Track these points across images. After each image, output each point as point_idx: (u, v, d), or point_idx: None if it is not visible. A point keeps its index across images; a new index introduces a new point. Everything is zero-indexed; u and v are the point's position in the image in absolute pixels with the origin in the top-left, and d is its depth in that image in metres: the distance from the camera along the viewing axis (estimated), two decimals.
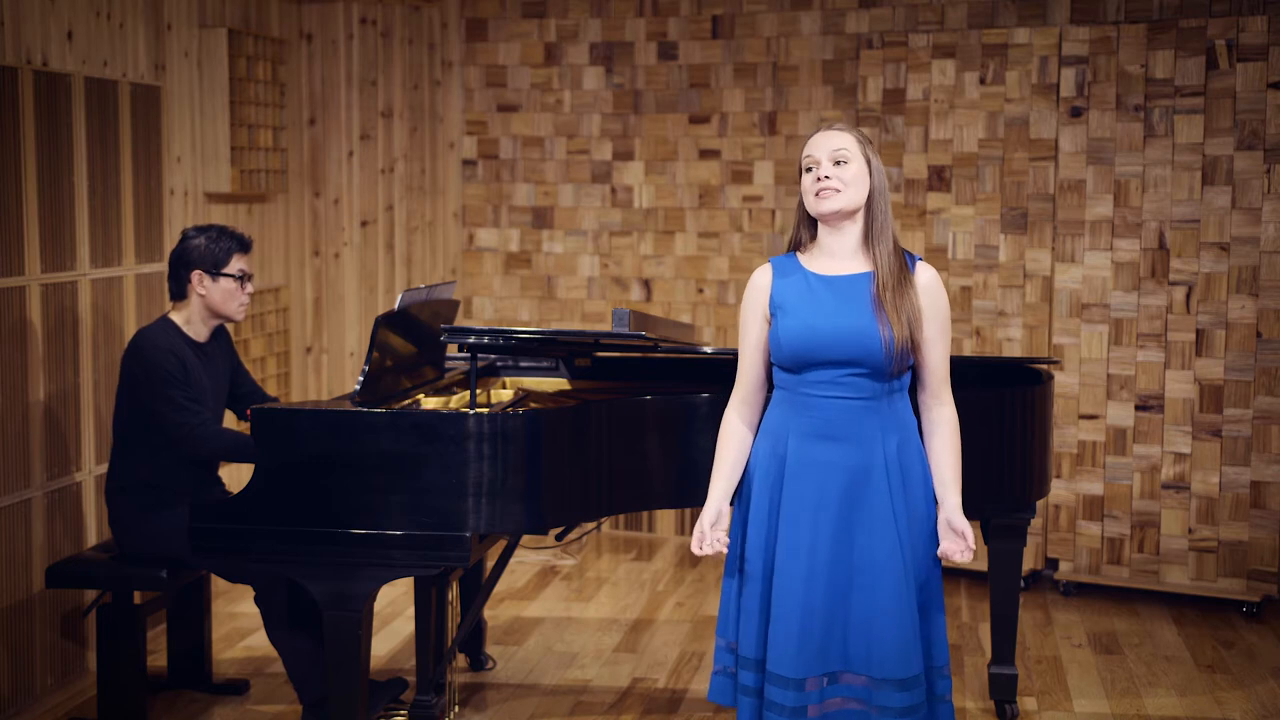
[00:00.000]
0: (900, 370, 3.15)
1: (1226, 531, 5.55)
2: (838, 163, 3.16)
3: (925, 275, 3.20)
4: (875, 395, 3.15)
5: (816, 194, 3.16)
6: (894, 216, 3.29)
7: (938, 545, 3.20)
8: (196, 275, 4.27)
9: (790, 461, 3.18)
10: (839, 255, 3.21)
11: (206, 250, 4.27)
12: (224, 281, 4.29)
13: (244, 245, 4.34)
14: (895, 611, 3.11)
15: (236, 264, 4.30)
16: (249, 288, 4.35)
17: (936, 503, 3.23)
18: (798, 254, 3.26)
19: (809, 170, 3.18)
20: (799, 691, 3.11)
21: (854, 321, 3.11)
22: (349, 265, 6.57)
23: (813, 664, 3.12)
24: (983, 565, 5.74)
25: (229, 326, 4.77)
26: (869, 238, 3.19)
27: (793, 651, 3.12)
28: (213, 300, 4.29)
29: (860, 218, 3.20)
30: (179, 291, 4.32)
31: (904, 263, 3.18)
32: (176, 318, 4.31)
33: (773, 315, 3.21)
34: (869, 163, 3.19)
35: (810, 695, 3.12)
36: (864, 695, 3.14)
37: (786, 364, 3.19)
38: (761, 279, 3.25)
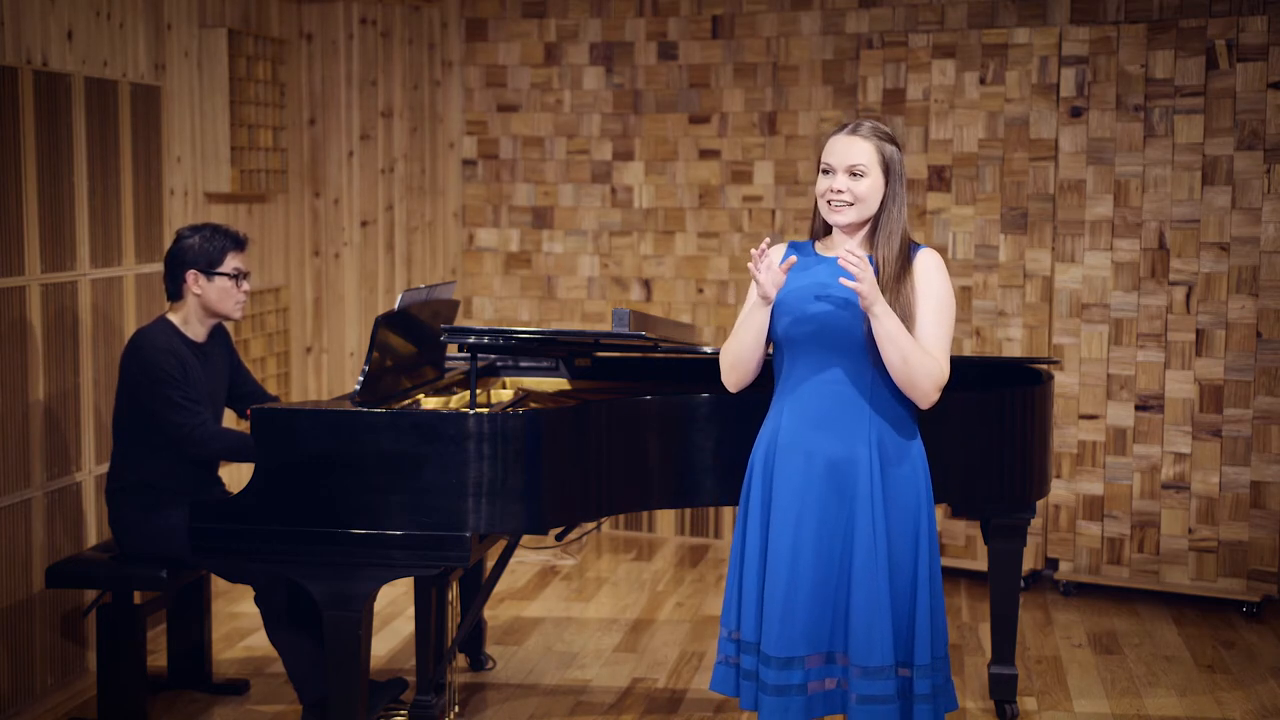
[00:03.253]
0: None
1: (1226, 531, 5.55)
2: (853, 175, 3.18)
3: (920, 259, 3.23)
4: (862, 385, 3.19)
5: (829, 202, 3.21)
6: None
7: (927, 542, 3.21)
8: (192, 275, 4.27)
9: (780, 446, 3.25)
10: (854, 249, 3.25)
11: (201, 249, 4.26)
12: (219, 280, 4.28)
13: (238, 243, 4.33)
14: (866, 599, 3.16)
15: (231, 262, 4.29)
16: (245, 286, 4.34)
17: (931, 502, 3.25)
18: (815, 243, 3.31)
19: (825, 173, 3.21)
20: (782, 670, 3.17)
21: (843, 308, 3.14)
22: (349, 265, 6.57)
23: (797, 644, 3.17)
24: (983, 565, 5.75)
25: (229, 326, 4.77)
26: (874, 241, 3.22)
27: (775, 630, 3.18)
28: (209, 299, 4.28)
29: (871, 222, 3.23)
30: (175, 292, 4.31)
31: (907, 259, 3.20)
32: (174, 318, 4.31)
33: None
34: (887, 171, 3.20)
35: (795, 674, 3.17)
36: (846, 677, 3.21)
37: (780, 342, 3.25)
38: (776, 255, 3.32)
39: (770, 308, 3.22)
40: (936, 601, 3.26)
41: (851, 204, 3.19)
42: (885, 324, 3.08)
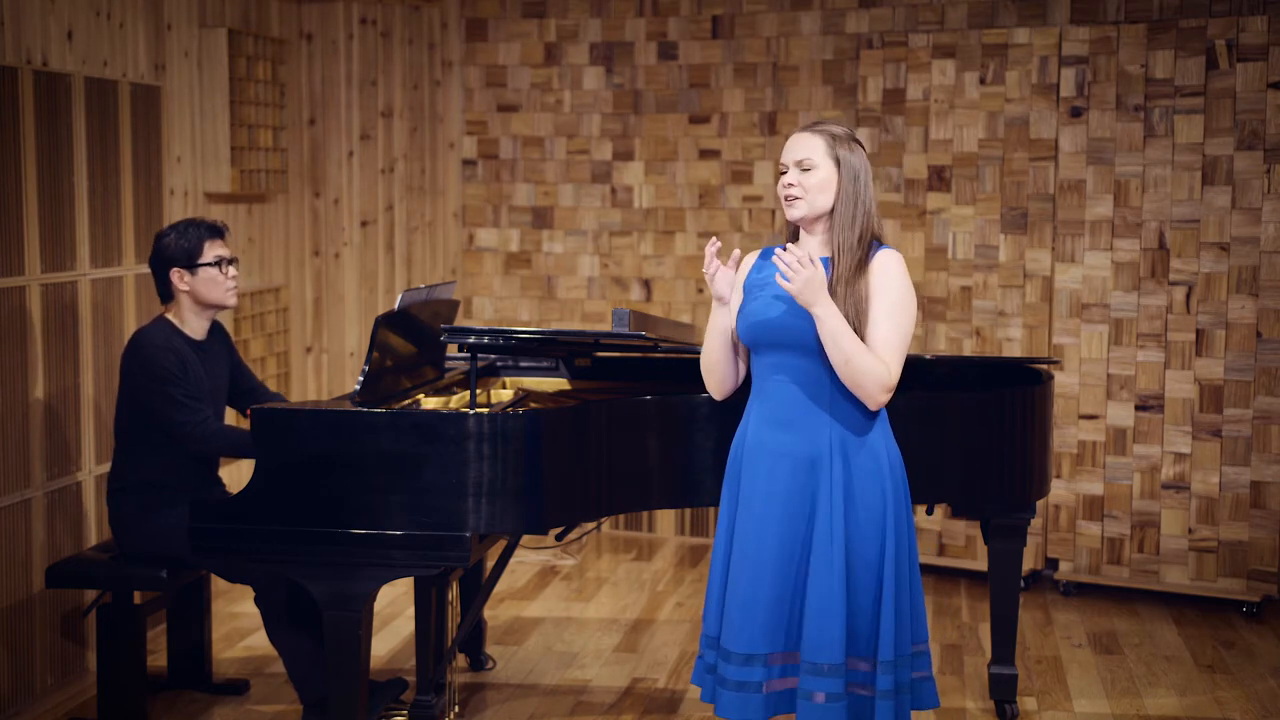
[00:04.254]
0: None
1: (1226, 531, 5.55)
2: (802, 169, 3.22)
3: (878, 259, 3.23)
4: (819, 384, 3.21)
5: (785, 198, 3.27)
6: (883, 215, 3.33)
7: (894, 537, 3.20)
8: (176, 273, 4.26)
9: (748, 446, 3.30)
10: (813, 250, 3.30)
11: (178, 246, 4.26)
12: (204, 271, 4.27)
13: (215, 231, 4.32)
14: (819, 597, 3.17)
15: (211, 251, 4.28)
16: (232, 271, 4.33)
17: (903, 498, 3.25)
18: (786, 246, 3.34)
19: (782, 172, 3.27)
20: (742, 666, 3.20)
21: (794, 307, 3.17)
22: (349, 265, 6.57)
23: (758, 641, 3.19)
24: (983, 565, 5.75)
25: (228, 325, 4.77)
26: (832, 236, 3.23)
27: (736, 626, 3.21)
28: (198, 292, 4.28)
29: (828, 217, 3.26)
30: (166, 293, 4.31)
31: (865, 256, 3.21)
32: (171, 318, 4.31)
33: (744, 295, 3.32)
34: (838, 164, 3.22)
35: (756, 671, 3.19)
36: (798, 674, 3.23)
37: (745, 343, 3.30)
38: (747, 260, 3.39)
39: (728, 307, 3.29)
40: (905, 598, 3.23)
41: (800, 197, 3.22)
42: (828, 324, 3.10)
